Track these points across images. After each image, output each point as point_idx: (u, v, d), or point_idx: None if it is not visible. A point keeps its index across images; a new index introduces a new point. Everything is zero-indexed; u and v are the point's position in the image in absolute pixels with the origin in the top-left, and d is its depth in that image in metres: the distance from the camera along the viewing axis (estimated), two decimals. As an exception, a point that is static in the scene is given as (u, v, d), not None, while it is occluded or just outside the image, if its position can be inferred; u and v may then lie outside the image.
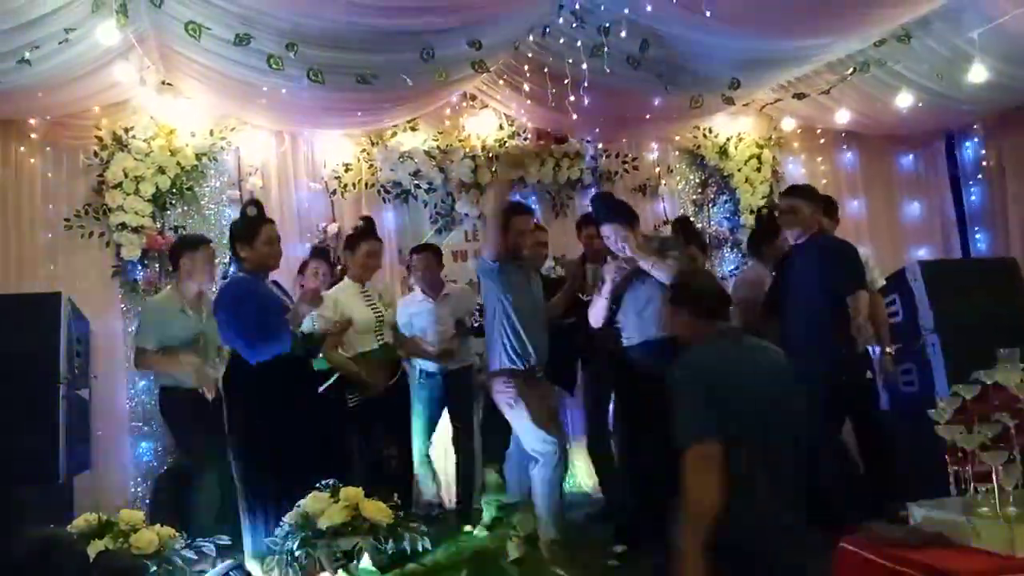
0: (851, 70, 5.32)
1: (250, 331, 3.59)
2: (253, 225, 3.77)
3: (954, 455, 2.71)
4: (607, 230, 4.01)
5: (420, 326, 4.82)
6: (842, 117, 6.13)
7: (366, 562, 3.36)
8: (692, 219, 5.96)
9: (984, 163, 6.91)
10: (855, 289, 3.94)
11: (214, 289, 4.45)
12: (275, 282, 4.01)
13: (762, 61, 4.88)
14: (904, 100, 5.49)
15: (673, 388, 2.50)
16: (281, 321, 3.65)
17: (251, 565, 3.50)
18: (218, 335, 4.20)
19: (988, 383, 2.74)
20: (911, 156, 7.18)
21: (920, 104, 5.62)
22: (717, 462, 2.33)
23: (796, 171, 6.73)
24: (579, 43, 4.41)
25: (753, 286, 4.64)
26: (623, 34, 4.33)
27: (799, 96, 5.78)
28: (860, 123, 6.43)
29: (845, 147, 6.94)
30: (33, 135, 5.11)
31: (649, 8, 4.08)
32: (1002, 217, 6.76)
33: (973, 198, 7.05)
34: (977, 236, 7.02)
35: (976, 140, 6.99)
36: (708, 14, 3.90)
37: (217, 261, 4.72)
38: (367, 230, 4.59)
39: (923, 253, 6.81)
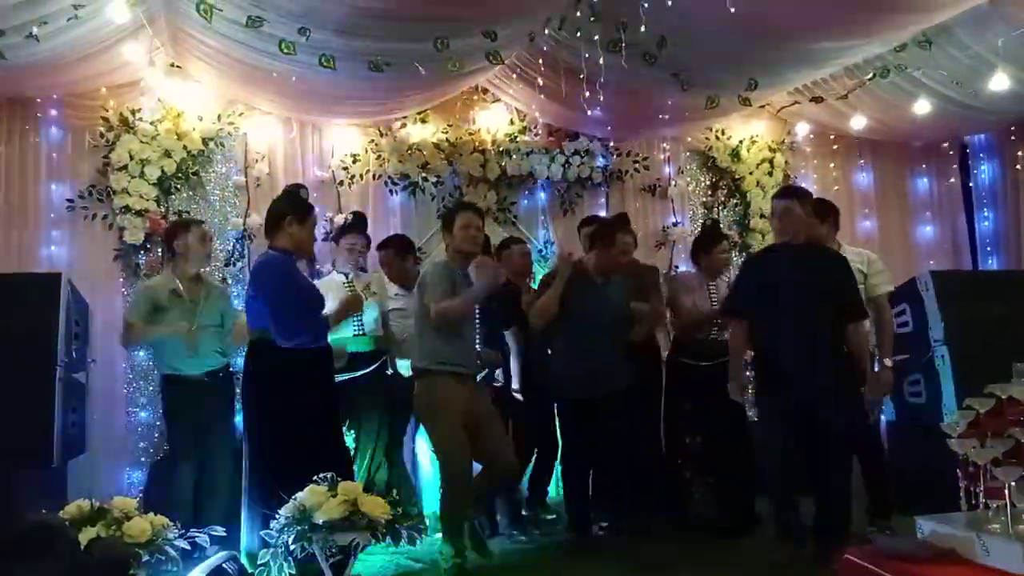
0: (871, 75, 5.24)
1: (290, 314, 3.47)
2: (307, 207, 3.71)
3: (965, 469, 2.66)
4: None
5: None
6: (857, 123, 6.05)
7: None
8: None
9: (999, 179, 6.86)
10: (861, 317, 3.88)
11: (208, 270, 4.40)
12: None
13: (782, 62, 4.81)
14: (922, 107, 5.43)
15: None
16: (320, 309, 3.63)
17: (246, 560, 3.43)
18: (221, 323, 4.16)
19: (1003, 397, 2.69)
20: (924, 165, 7.06)
21: (937, 112, 5.55)
22: None
23: (808, 177, 6.66)
24: (596, 37, 4.33)
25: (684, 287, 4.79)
26: (641, 29, 4.25)
27: (816, 100, 5.70)
28: (875, 130, 6.35)
29: (859, 155, 6.86)
30: (39, 114, 5.07)
31: (669, 2, 3.99)
32: (1015, 236, 6.69)
33: (986, 220, 6.99)
34: (988, 253, 6.94)
35: (992, 154, 6.93)
36: (732, 10, 3.82)
37: (215, 246, 4.68)
38: (356, 223, 4.63)
39: (933, 264, 6.71)
